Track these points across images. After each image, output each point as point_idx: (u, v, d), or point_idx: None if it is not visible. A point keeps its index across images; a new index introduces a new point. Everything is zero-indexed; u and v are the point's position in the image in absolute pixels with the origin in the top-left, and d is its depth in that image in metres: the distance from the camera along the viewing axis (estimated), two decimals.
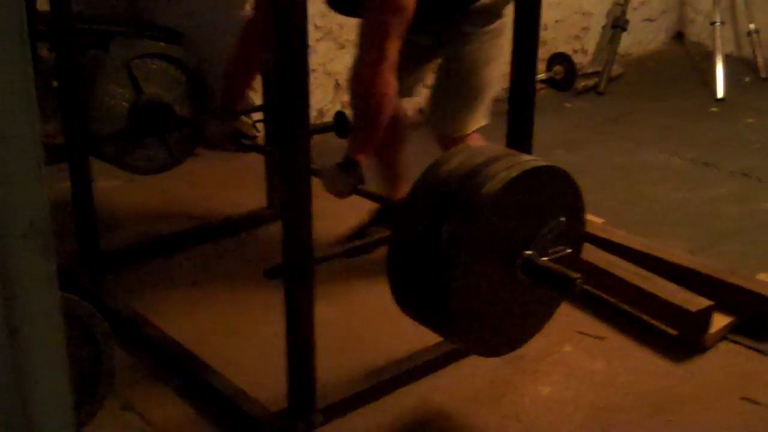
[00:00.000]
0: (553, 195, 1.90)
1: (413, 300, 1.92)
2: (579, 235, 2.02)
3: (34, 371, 0.81)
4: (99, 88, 2.78)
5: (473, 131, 2.74)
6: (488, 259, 1.83)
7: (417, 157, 2.42)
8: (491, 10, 2.57)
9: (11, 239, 0.77)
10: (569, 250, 1.91)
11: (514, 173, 1.80)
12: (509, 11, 2.47)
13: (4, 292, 0.77)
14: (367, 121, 2.32)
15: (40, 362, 0.82)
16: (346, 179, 2.33)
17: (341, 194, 2.38)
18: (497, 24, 2.61)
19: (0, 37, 0.74)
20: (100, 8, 4.16)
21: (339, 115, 2.22)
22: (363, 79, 2.27)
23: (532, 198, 1.86)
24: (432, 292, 1.84)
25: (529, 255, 1.86)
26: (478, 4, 2.53)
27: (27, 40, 0.77)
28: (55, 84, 2.80)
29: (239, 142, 2.78)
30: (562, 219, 1.87)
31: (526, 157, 1.92)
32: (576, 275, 1.82)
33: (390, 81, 2.28)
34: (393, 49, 2.24)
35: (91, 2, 4.04)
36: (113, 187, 3.52)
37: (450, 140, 2.68)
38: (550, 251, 1.88)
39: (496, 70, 2.73)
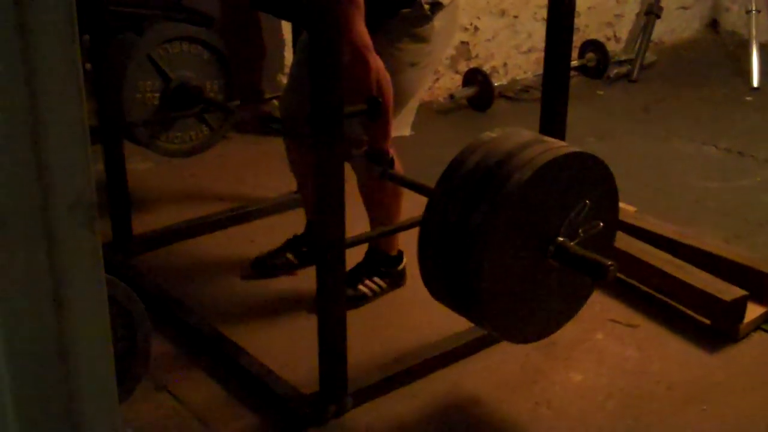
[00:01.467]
0: (585, 181, 1.88)
1: (444, 286, 1.92)
2: (613, 223, 2.01)
3: (79, 344, 0.82)
4: (127, 83, 2.80)
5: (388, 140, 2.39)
6: (519, 245, 1.82)
7: (449, 142, 2.41)
8: (416, 17, 2.41)
9: (59, 211, 0.77)
10: (601, 224, 1.89)
11: (544, 160, 1.78)
12: (445, 17, 2.44)
13: (51, 263, 0.78)
14: (388, 108, 2.27)
15: (85, 335, 0.82)
16: (377, 167, 2.32)
17: (373, 181, 2.36)
18: (423, 29, 2.42)
19: (48, 18, 0.74)
20: None
21: (372, 99, 2.20)
22: (362, 68, 2.20)
23: (564, 185, 1.84)
24: (463, 278, 1.83)
25: (561, 241, 1.84)
26: (404, 10, 2.40)
27: (75, 21, 0.77)
28: (88, 66, 2.82)
29: (269, 126, 2.77)
30: (589, 202, 1.86)
31: (556, 143, 1.90)
32: (609, 262, 1.81)
33: (380, 62, 2.26)
34: (366, 34, 2.19)
35: None
36: (146, 169, 3.54)
37: (361, 145, 2.36)
38: (581, 230, 1.86)
39: (419, 78, 2.51)
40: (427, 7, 2.40)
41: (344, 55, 2.01)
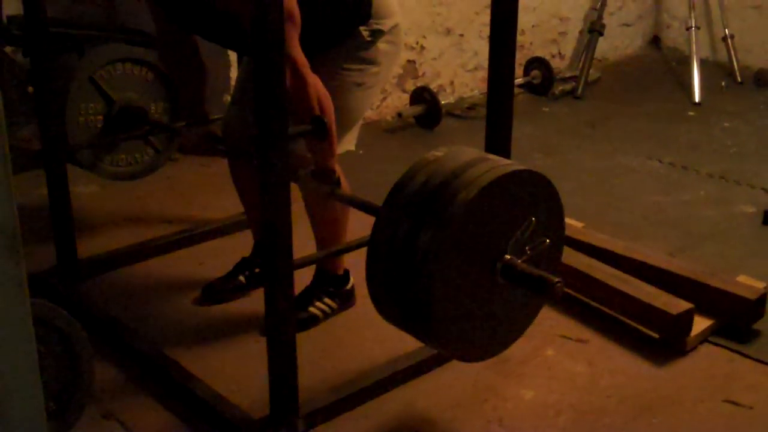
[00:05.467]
0: (531, 198, 1.89)
1: (393, 306, 1.91)
2: (559, 238, 2.02)
3: (5, 378, 0.79)
4: (70, 106, 2.77)
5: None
6: (467, 265, 1.82)
7: (397, 160, 2.41)
8: (366, 40, 2.43)
9: None
10: (547, 241, 1.90)
11: (488, 179, 1.79)
12: (389, 39, 2.46)
13: None
14: (331, 124, 2.25)
15: (11, 369, 0.80)
16: (324, 186, 2.31)
17: (319, 200, 2.36)
18: (368, 52, 2.44)
19: None
20: (76, 12, 4.13)
21: (316, 119, 2.20)
22: (300, 86, 2.19)
23: (509, 203, 1.85)
24: (411, 299, 1.83)
25: (509, 259, 1.85)
26: (347, 39, 2.41)
27: None
28: (30, 89, 2.77)
29: (215, 147, 2.75)
30: (535, 219, 1.87)
31: (501, 161, 1.91)
32: (556, 279, 1.82)
33: (317, 79, 2.24)
34: (301, 53, 2.19)
35: (67, 7, 4.01)
36: (90, 192, 3.49)
37: (307, 164, 2.34)
38: (527, 248, 1.87)
39: (365, 98, 2.51)
40: (366, 34, 2.41)
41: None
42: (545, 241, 1.91)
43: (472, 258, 1.82)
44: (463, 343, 1.93)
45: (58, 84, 2.72)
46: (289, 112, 1.94)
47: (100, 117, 2.85)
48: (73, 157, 2.84)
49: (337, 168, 2.33)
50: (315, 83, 2.20)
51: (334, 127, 2.23)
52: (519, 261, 1.86)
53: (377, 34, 2.43)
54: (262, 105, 1.87)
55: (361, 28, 2.41)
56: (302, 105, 2.18)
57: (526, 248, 1.87)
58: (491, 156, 1.96)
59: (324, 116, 2.17)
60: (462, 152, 1.92)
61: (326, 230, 2.60)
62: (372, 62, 2.46)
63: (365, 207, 2.20)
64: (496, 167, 1.83)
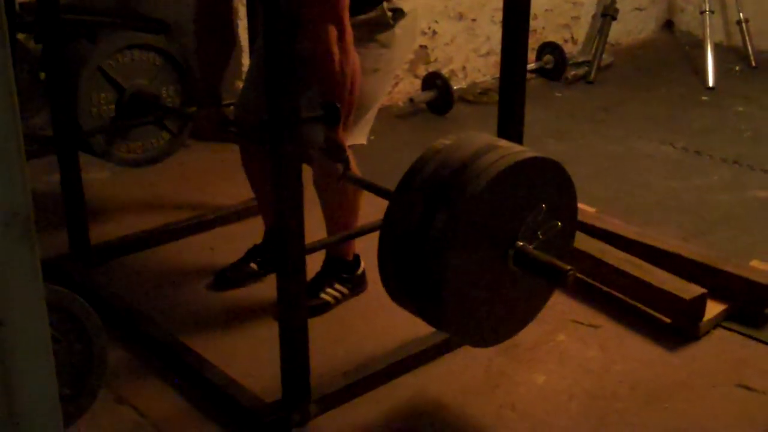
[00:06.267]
0: (543, 184, 1.88)
1: (405, 291, 1.91)
2: (572, 223, 2.01)
3: (19, 362, 0.80)
4: (81, 97, 2.77)
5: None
6: (480, 250, 1.82)
7: (409, 146, 2.41)
8: (379, 22, 2.42)
9: None
10: (559, 224, 1.90)
11: (500, 167, 1.78)
12: (406, 24, 2.46)
13: None
14: (343, 101, 2.26)
15: (25, 354, 0.80)
16: (336, 165, 2.30)
17: (332, 182, 2.36)
18: (385, 35, 2.43)
19: None
20: None
21: (328, 105, 2.19)
22: (334, 60, 2.20)
23: (522, 190, 1.84)
24: (423, 284, 1.82)
25: (521, 246, 1.85)
26: (362, 16, 2.39)
27: (6, 28, 0.75)
28: (42, 76, 2.78)
29: (228, 130, 2.74)
30: (546, 204, 1.86)
31: (513, 147, 1.90)
32: (568, 267, 1.81)
33: (355, 55, 2.25)
34: (349, 24, 2.20)
35: None
36: (103, 179, 3.50)
37: (318, 146, 2.32)
38: (540, 233, 1.86)
39: (378, 84, 2.49)
40: (389, 14, 2.40)
41: (333, 45, 2.14)
42: (557, 225, 1.90)
43: (484, 244, 1.82)
44: (474, 329, 1.93)
45: (69, 73, 2.72)
46: (318, 80, 1.98)
47: (113, 106, 2.86)
48: (88, 146, 2.85)
49: (349, 151, 2.33)
50: (355, 60, 2.21)
51: (354, 101, 2.23)
52: (531, 247, 1.85)
53: (398, 15, 2.42)
54: (274, 88, 1.87)
55: (385, 3, 2.40)
56: (335, 77, 2.18)
57: (538, 233, 1.87)
58: (503, 142, 1.95)
59: (351, 95, 2.17)
60: (474, 138, 1.91)
61: (338, 215, 2.59)
62: (388, 46, 2.45)
63: (377, 190, 2.20)
64: (508, 155, 1.83)
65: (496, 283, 1.88)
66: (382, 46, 2.44)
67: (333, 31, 2.17)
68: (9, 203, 0.77)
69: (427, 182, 1.83)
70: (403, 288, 1.91)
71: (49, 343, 0.87)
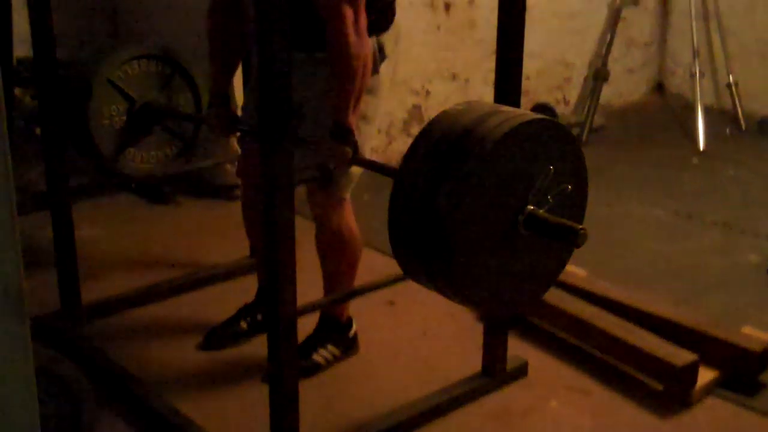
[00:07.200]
0: (549, 147, 1.84)
1: (416, 260, 1.84)
2: (582, 185, 1.97)
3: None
4: (93, 113, 2.80)
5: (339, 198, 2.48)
6: (489, 217, 1.77)
7: None
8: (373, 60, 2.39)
9: None
10: (569, 187, 1.87)
11: (504, 130, 1.74)
12: (385, 70, 2.46)
13: None
14: (354, 84, 2.23)
15: (12, 427, 0.79)
16: (344, 148, 2.24)
17: (341, 166, 2.31)
18: (374, 78, 2.40)
19: None
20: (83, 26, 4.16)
21: (323, 167, 2.19)
22: (349, 41, 2.19)
23: (528, 153, 1.80)
24: (434, 252, 1.77)
25: (531, 210, 1.80)
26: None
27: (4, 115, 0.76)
28: (38, 131, 2.79)
29: (237, 129, 2.70)
30: (554, 167, 1.82)
31: (516, 111, 1.86)
32: (580, 226, 1.78)
33: (368, 40, 2.24)
34: (363, 6, 2.21)
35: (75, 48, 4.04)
36: (96, 235, 3.49)
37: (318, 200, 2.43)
38: (549, 197, 1.84)
39: (368, 133, 2.48)
40: (376, 48, 2.40)
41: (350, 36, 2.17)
42: (567, 187, 1.87)
43: (494, 209, 1.78)
44: (488, 297, 1.87)
45: (78, 92, 2.75)
46: (331, 62, 2.05)
47: (125, 118, 2.87)
48: (103, 165, 2.84)
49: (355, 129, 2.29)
50: (368, 44, 2.23)
51: (367, 77, 2.25)
52: (541, 211, 1.81)
53: (382, 55, 2.43)
54: (266, 108, 1.87)
55: (375, 36, 2.39)
56: (349, 58, 2.19)
57: (548, 197, 1.83)
58: (505, 107, 1.91)
59: (364, 77, 2.22)
60: (476, 105, 1.89)
61: (337, 274, 2.58)
62: (374, 93, 2.44)
63: (384, 170, 2.16)
64: (511, 118, 1.79)
65: (509, 249, 1.83)
66: (369, 92, 2.41)
67: (349, 12, 2.18)
68: (1, 281, 0.77)
69: (432, 150, 1.80)
70: (414, 257, 1.84)
71: (37, 419, 0.86)
